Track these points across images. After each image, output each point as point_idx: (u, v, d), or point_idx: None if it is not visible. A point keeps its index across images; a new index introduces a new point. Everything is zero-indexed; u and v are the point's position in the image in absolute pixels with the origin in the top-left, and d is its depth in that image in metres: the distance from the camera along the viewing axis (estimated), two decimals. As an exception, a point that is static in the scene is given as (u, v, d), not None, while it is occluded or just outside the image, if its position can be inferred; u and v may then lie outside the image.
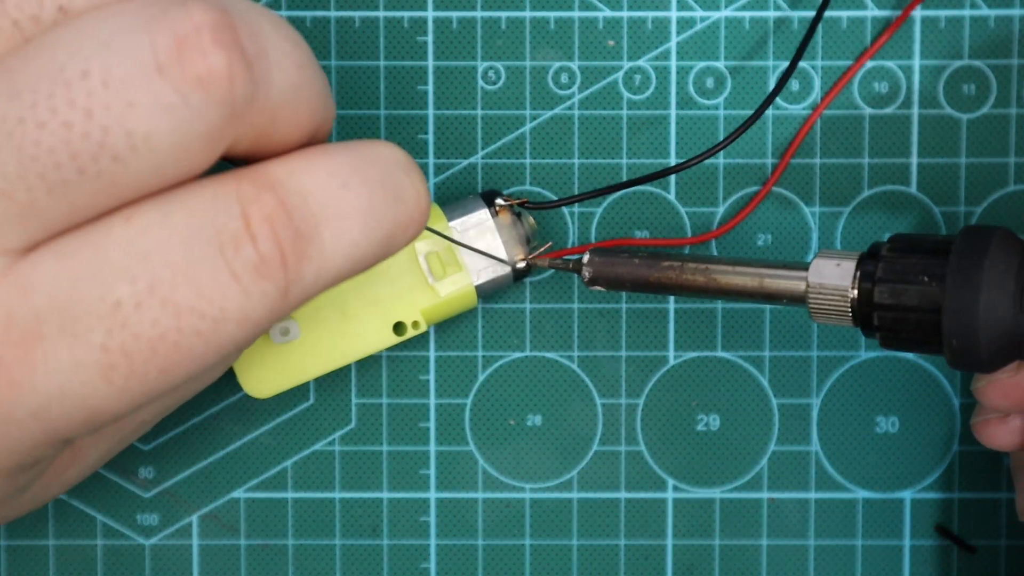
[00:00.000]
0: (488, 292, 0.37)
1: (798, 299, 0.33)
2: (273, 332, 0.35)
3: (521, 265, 0.37)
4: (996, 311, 0.30)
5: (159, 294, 0.25)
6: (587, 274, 0.35)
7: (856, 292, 0.32)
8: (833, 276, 0.32)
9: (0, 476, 0.28)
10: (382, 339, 0.36)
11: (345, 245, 0.26)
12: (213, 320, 0.25)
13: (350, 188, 0.27)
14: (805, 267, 0.33)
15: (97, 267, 0.25)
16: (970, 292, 0.30)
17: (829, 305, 0.32)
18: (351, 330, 0.36)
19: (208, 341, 0.25)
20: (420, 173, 0.28)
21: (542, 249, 0.37)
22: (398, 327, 0.36)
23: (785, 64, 0.38)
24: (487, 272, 0.36)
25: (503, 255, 0.36)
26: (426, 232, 0.36)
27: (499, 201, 0.37)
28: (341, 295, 0.36)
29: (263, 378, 0.36)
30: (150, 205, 0.25)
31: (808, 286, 0.33)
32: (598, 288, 0.36)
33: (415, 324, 0.36)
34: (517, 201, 0.37)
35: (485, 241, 0.36)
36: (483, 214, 0.36)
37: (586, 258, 0.35)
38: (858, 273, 0.32)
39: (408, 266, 0.36)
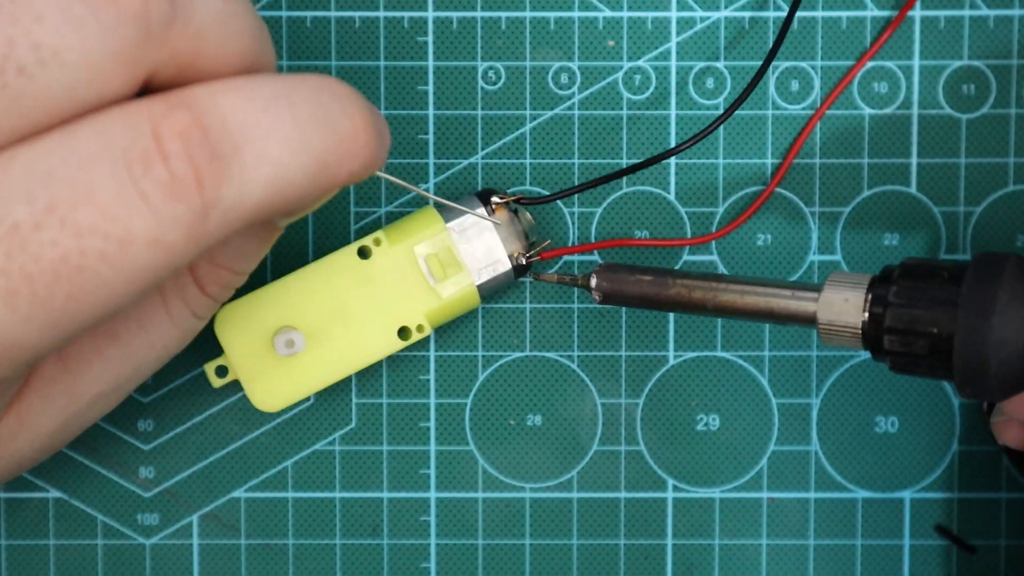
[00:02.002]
0: (490, 291, 0.37)
1: (808, 322, 0.33)
2: (278, 344, 0.35)
3: (523, 261, 0.37)
4: (1007, 342, 0.30)
5: (58, 214, 0.24)
6: (597, 297, 0.36)
7: (867, 316, 0.32)
8: (844, 308, 0.33)
9: None
10: (387, 345, 0.36)
11: (268, 168, 0.25)
12: (119, 242, 0.24)
13: (271, 111, 0.26)
14: (815, 289, 0.33)
15: None
16: (982, 322, 0.30)
17: (839, 335, 0.33)
18: (356, 338, 0.36)
19: (115, 265, 0.25)
20: (363, 105, 0.27)
21: (541, 247, 0.37)
22: (403, 332, 0.36)
23: (786, 64, 0.38)
24: (488, 271, 0.36)
25: (502, 253, 0.36)
26: (426, 235, 0.36)
27: (495, 199, 0.37)
28: (343, 303, 0.36)
29: (272, 392, 0.36)
30: (57, 128, 0.25)
31: (818, 313, 0.33)
32: (609, 304, 0.36)
33: (419, 328, 0.36)
34: (512, 198, 0.37)
35: (483, 240, 0.36)
36: (480, 213, 0.36)
37: (594, 281, 0.35)
38: (869, 297, 0.32)
39: (409, 270, 0.36)
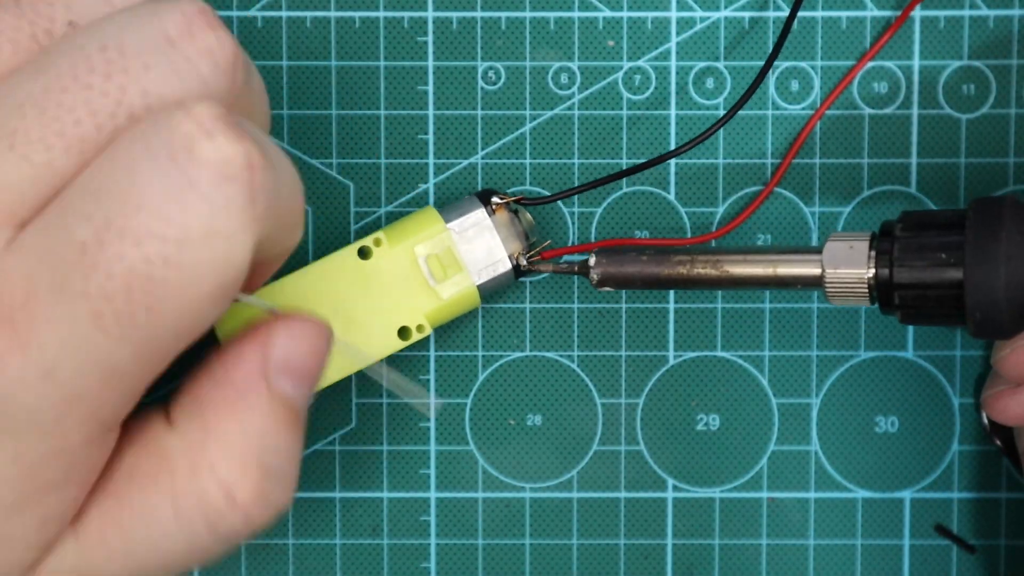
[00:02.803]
0: (490, 291, 0.37)
1: (813, 283, 0.34)
2: None
3: (523, 262, 0.37)
4: (1017, 280, 0.31)
5: (116, 227, 0.25)
6: (595, 276, 0.35)
7: (873, 271, 0.33)
8: (848, 258, 0.33)
9: (43, 481, 0.27)
10: (387, 345, 0.36)
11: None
12: (177, 242, 0.25)
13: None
14: (818, 251, 0.34)
15: (61, 214, 0.25)
16: (991, 265, 0.31)
17: (846, 288, 0.33)
18: (356, 339, 0.36)
19: (180, 267, 0.25)
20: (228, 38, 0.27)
21: (541, 247, 0.37)
22: (403, 332, 0.36)
23: (786, 64, 0.38)
24: (488, 271, 0.36)
25: (503, 253, 0.36)
26: (427, 235, 0.36)
27: (495, 200, 0.37)
28: (343, 303, 0.36)
29: None
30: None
31: (824, 270, 0.33)
32: (607, 289, 0.36)
33: (419, 328, 0.36)
34: (513, 198, 0.37)
35: (484, 240, 0.36)
36: (480, 213, 0.36)
37: (592, 260, 0.36)
38: (873, 253, 0.33)
39: (409, 270, 0.36)
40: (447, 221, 0.36)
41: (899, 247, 0.32)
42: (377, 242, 0.36)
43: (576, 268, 0.36)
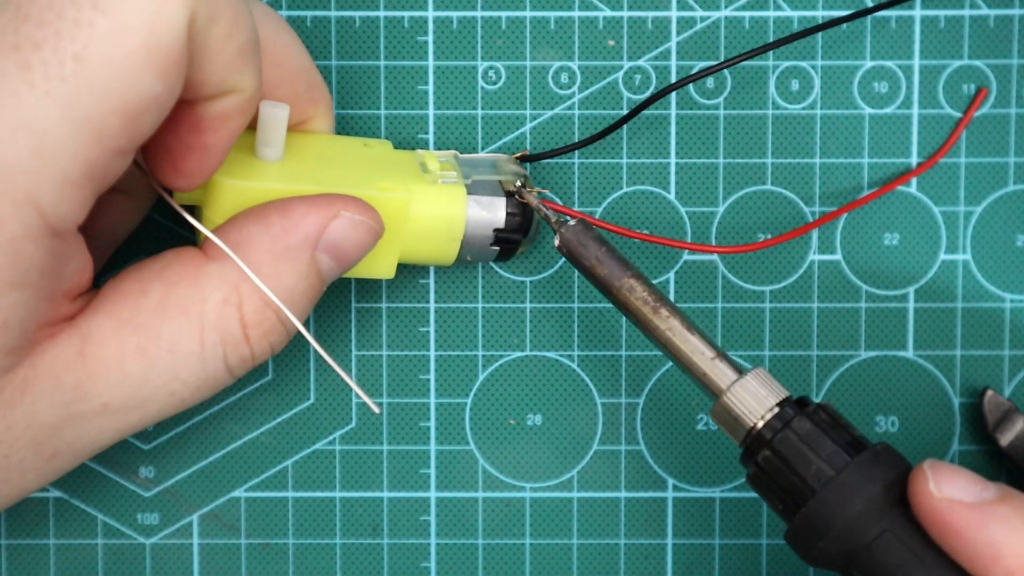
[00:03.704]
0: (476, 221, 0.35)
1: (712, 392, 0.33)
2: (259, 148, 0.33)
3: (517, 197, 0.36)
4: (843, 540, 0.32)
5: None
6: (558, 240, 0.34)
7: (762, 424, 0.33)
8: (751, 404, 0.33)
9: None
10: (364, 187, 0.34)
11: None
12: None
13: None
14: (735, 369, 0.33)
15: None
16: (838, 509, 0.32)
17: (730, 420, 0.33)
18: (333, 172, 0.34)
19: (108, 12, 0.26)
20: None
21: (536, 191, 0.36)
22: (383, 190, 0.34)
23: (786, 64, 0.38)
24: (482, 187, 0.36)
25: (499, 188, 0.36)
26: (431, 153, 0.37)
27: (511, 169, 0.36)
28: (332, 151, 0.35)
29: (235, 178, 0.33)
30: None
31: (727, 393, 0.33)
32: (563, 256, 0.35)
33: (400, 191, 0.34)
34: (519, 155, 0.37)
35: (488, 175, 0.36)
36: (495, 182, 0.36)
37: (557, 241, 0.34)
38: (776, 410, 0.33)
39: (406, 160, 0.36)
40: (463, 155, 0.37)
41: (797, 425, 0.32)
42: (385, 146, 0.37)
43: (552, 221, 0.35)
